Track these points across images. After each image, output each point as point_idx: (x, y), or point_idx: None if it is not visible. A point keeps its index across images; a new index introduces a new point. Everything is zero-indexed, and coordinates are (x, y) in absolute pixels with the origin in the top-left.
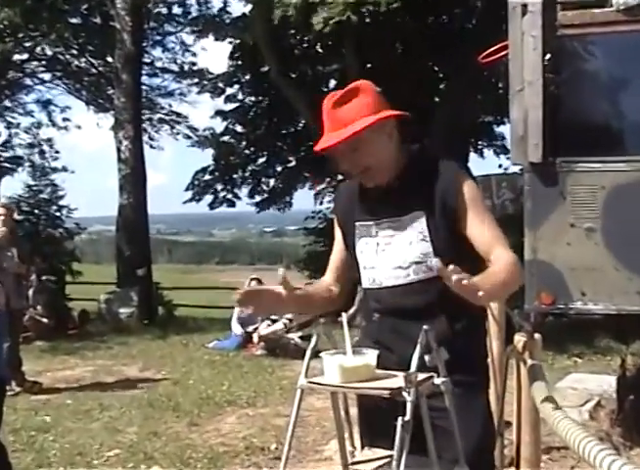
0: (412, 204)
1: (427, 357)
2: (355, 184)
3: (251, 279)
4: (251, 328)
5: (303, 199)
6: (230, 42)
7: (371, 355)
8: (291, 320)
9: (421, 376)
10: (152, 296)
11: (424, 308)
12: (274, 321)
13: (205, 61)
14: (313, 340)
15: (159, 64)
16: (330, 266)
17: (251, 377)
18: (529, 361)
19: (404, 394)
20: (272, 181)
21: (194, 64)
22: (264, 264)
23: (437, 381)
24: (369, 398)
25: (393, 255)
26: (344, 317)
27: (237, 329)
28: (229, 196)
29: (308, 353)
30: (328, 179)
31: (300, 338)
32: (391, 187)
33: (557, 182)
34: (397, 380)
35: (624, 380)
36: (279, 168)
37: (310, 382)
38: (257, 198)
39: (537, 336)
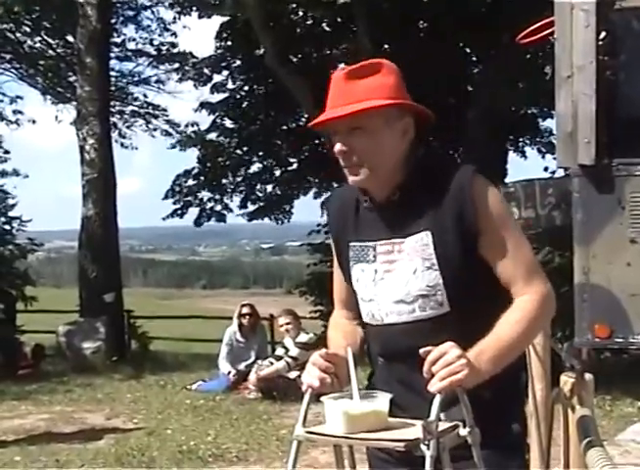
0: (417, 222)
1: (442, 415)
2: (351, 192)
3: (242, 306)
4: (242, 366)
5: (306, 209)
6: (220, 19)
7: (382, 400)
8: (295, 358)
9: (443, 425)
10: (122, 327)
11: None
12: (278, 359)
13: (188, 42)
14: None
15: (131, 45)
16: (337, 298)
17: (242, 426)
18: (579, 409)
19: (423, 446)
20: (269, 187)
21: (174, 45)
22: (261, 288)
23: (463, 432)
24: (381, 451)
25: (394, 285)
26: (350, 352)
27: (225, 367)
28: (218, 207)
29: (307, 397)
30: (336, 185)
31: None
32: (392, 200)
33: (613, 189)
34: (415, 430)
35: None
36: (277, 172)
37: (309, 432)
38: (251, 207)
39: (589, 376)
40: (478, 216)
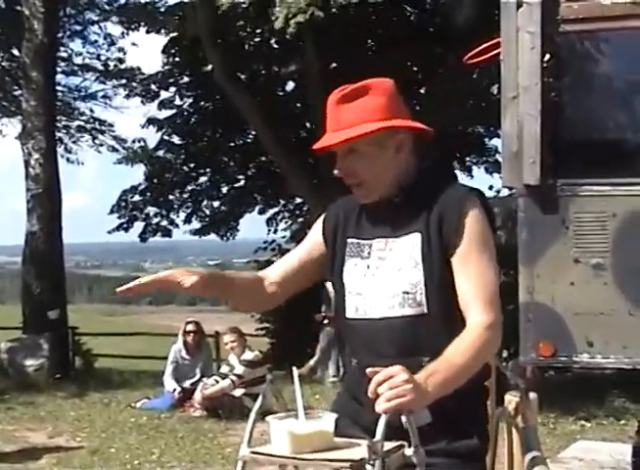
0: (411, 224)
1: (403, 418)
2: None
3: (187, 323)
4: (187, 384)
5: (252, 226)
6: (167, 35)
7: (328, 420)
8: (240, 376)
9: (388, 445)
10: (66, 344)
11: (406, 353)
12: (223, 377)
13: (136, 58)
14: (259, 400)
15: (78, 60)
16: (280, 263)
17: (187, 444)
18: (522, 428)
19: (368, 467)
20: (215, 204)
21: (121, 61)
22: (207, 305)
23: (409, 452)
24: None
25: (382, 280)
26: (295, 372)
27: (170, 385)
28: (164, 223)
29: (252, 416)
30: (282, 203)
31: (247, 396)
32: (393, 202)
33: (557, 209)
34: (361, 450)
35: None
36: (224, 189)
37: (254, 452)
38: (197, 223)
39: (533, 396)
40: (456, 230)
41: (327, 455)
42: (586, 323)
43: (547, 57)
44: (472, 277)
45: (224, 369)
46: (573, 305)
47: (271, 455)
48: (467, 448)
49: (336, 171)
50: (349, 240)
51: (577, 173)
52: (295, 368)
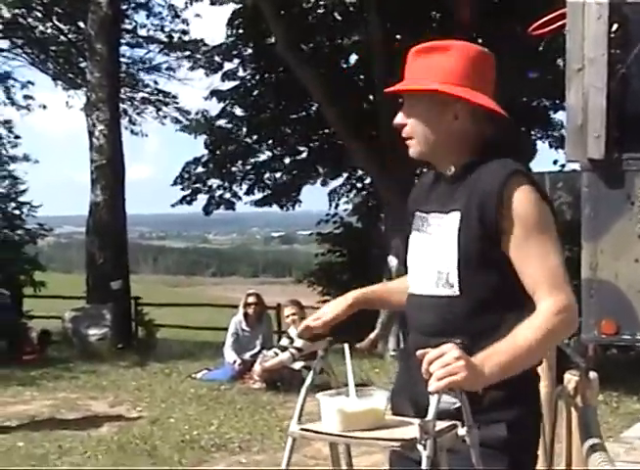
0: (456, 201)
1: (451, 399)
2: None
3: (248, 295)
4: (247, 355)
5: (315, 198)
6: (232, 6)
7: (379, 398)
8: (299, 349)
9: (441, 425)
10: (129, 314)
11: (438, 332)
12: (282, 349)
13: (200, 30)
14: (310, 375)
15: (142, 32)
16: None
17: (246, 416)
18: (583, 408)
19: (419, 446)
20: (278, 175)
21: (185, 33)
22: (270, 277)
23: (462, 431)
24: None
25: (425, 257)
26: (347, 348)
27: (231, 356)
28: (227, 195)
29: (303, 392)
30: (345, 175)
31: (307, 369)
32: (448, 176)
33: (623, 184)
34: (412, 429)
35: None
36: (286, 161)
37: (304, 429)
38: (258, 194)
39: (593, 375)
40: (500, 215)
41: (377, 434)
42: None
43: (614, 27)
44: (533, 264)
45: (284, 342)
46: (638, 283)
47: (320, 433)
48: (494, 439)
49: (395, 121)
50: (416, 213)
51: None
52: (346, 344)
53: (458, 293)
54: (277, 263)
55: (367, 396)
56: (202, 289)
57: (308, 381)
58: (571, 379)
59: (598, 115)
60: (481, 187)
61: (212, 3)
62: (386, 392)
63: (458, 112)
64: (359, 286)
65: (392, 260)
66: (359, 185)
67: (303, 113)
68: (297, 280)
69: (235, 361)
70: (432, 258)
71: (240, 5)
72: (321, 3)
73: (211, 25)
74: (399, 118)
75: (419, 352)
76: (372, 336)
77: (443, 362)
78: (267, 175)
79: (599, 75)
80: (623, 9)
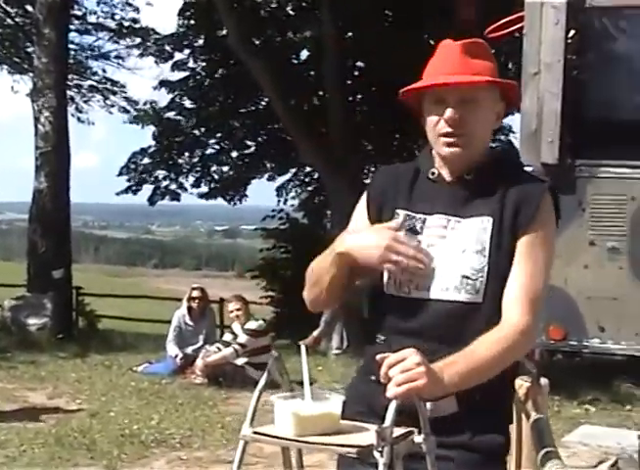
0: (482, 206)
1: (429, 405)
2: (409, 165)
3: (193, 289)
4: (190, 350)
5: (262, 193)
6: None
7: (335, 401)
8: (243, 345)
9: (397, 431)
10: (70, 304)
11: (448, 340)
12: (226, 345)
13: (151, 18)
14: (264, 377)
15: (92, 18)
16: None
17: (187, 411)
18: (534, 415)
19: (376, 453)
20: (225, 169)
21: (135, 21)
22: (213, 270)
23: (418, 439)
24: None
25: (437, 260)
26: (303, 349)
27: (173, 350)
28: (173, 186)
29: (256, 395)
30: (293, 171)
31: (250, 365)
32: (464, 179)
33: (575, 190)
34: (368, 435)
35: None
36: (234, 154)
37: (256, 433)
38: (205, 187)
39: (544, 381)
40: (529, 223)
41: (333, 439)
42: (599, 308)
43: (571, 33)
44: (525, 275)
45: (227, 337)
46: (586, 289)
47: (274, 437)
48: (490, 445)
49: (447, 115)
50: (398, 210)
51: (597, 154)
52: (303, 345)
53: (481, 300)
54: (220, 257)
55: (323, 399)
56: (143, 280)
57: (262, 382)
58: (522, 385)
59: (553, 120)
60: (518, 195)
61: None
62: (341, 396)
63: (500, 112)
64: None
65: None
66: (307, 180)
67: (252, 107)
68: (239, 274)
69: (177, 355)
70: (452, 261)
71: None
72: None
73: (163, 15)
74: (453, 114)
75: (379, 356)
76: (315, 333)
77: (404, 367)
78: (214, 168)
79: (555, 81)
80: (581, 15)
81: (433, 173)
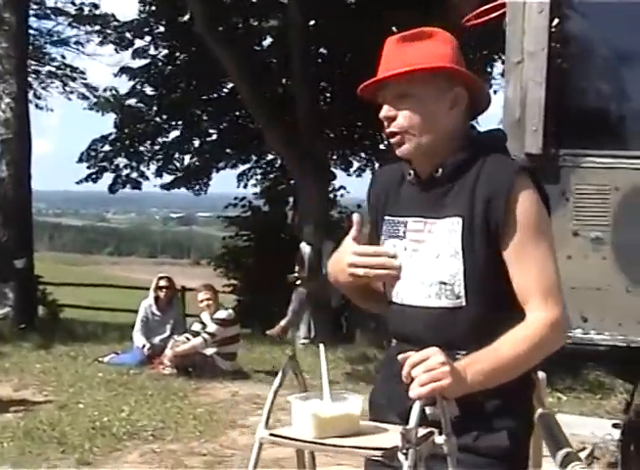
0: (452, 205)
1: (428, 410)
2: (400, 166)
3: (160, 278)
4: (157, 340)
5: (222, 181)
6: None
7: (354, 402)
8: (213, 335)
9: (420, 432)
10: (33, 293)
11: (440, 346)
12: (195, 335)
13: (111, 4)
14: (278, 377)
15: (50, 3)
16: None
17: (157, 402)
18: (539, 410)
19: (400, 456)
20: (187, 157)
21: (96, 6)
22: (168, 257)
23: (439, 439)
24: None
25: (418, 266)
26: (322, 348)
27: (140, 340)
28: (134, 175)
29: (271, 396)
30: (255, 159)
31: (219, 355)
32: (434, 177)
33: (558, 179)
34: (389, 436)
35: (631, 426)
36: (196, 143)
37: (273, 435)
38: (167, 177)
39: (542, 375)
40: (506, 217)
41: (355, 442)
42: (582, 298)
43: (555, 21)
44: (529, 271)
45: (196, 327)
46: (570, 280)
47: (294, 439)
48: (494, 448)
49: (381, 114)
50: (386, 217)
51: (581, 143)
52: (322, 345)
53: (464, 303)
54: (175, 245)
55: (341, 399)
56: (99, 268)
57: (277, 383)
58: None
59: (536, 109)
60: (486, 188)
61: None
62: (360, 396)
63: (456, 99)
64: (266, 270)
65: (305, 247)
66: (269, 168)
67: (214, 94)
68: (195, 262)
69: (144, 345)
70: (430, 267)
71: None
72: None
73: (124, 0)
74: (387, 111)
75: (401, 357)
76: (282, 323)
77: (428, 367)
78: (176, 156)
79: (538, 69)
80: (564, 3)
81: (410, 174)
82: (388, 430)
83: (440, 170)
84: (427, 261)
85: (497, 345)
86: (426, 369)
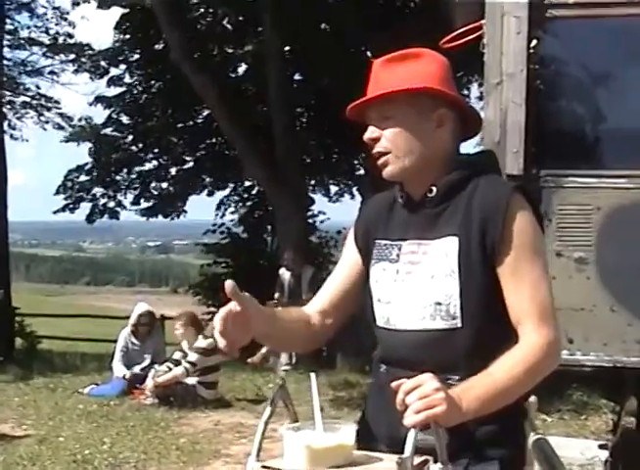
0: (447, 225)
1: (419, 435)
2: (391, 192)
3: (141, 316)
4: (138, 369)
5: (198, 208)
6: (120, 11)
7: (347, 431)
8: (194, 364)
9: (415, 460)
10: (10, 325)
11: (435, 370)
12: (175, 364)
13: (86, 33)
14: (268, 408)
15: (24, 33)
16: (322, 292)
17: (139, 433)
18: (532, 435)
19: None
20: (164, 185)
21: (70, 36)
22: (146, 286)
23: (435, 468)
24: None
25: (412, 289)
26: (313, 377)
27: (120, 371)
28: (111, 204)
29: (261, 427)
30: (232, 186)
31: (201, 384)
32: (427, 198)
33: (540, 200)
34: (383, 465)
35: (618, 447)
36: (173, 170)
37: (265, 467)
38: (144, 204)
39: (533, 398)
40: (502, 236)
41: None
42: (567, 319)
43: (534, 42)
44: (524, 291)
45: (177, 355)
46: (555, 301)
47: None
48: None
49: (365, 136)
50: (377, 241)
51: (562, 164)
52: (313, 374)
53: (460, 325)
54: (153, 273)
55: (334, 429)
56: (75, 298)
57: (267, 414)
58: None
59: (517, 130)
60: (481, 207)
61: (100, 6)
62: (353, 425)
63: (442, 118)
64: None
65: (285, 273)
66: (246, 195)
67: (190, 122)
68: (173, 290)
69: (125, 375)
70: (425, 289)
71: (128, 9)
72: (211, 11)
73: (99, 29)
74: (371, 133)
75: (394, 384)
76: (263, 350)
77: (422, 393)
78: (153, 184)
79: (518, 91)
80: (543, 24)
81: (401, 197)
82: (382, 459)
83: (435, 190)
84: (421, 283)
85: (492, 370)
86: (420, 396)
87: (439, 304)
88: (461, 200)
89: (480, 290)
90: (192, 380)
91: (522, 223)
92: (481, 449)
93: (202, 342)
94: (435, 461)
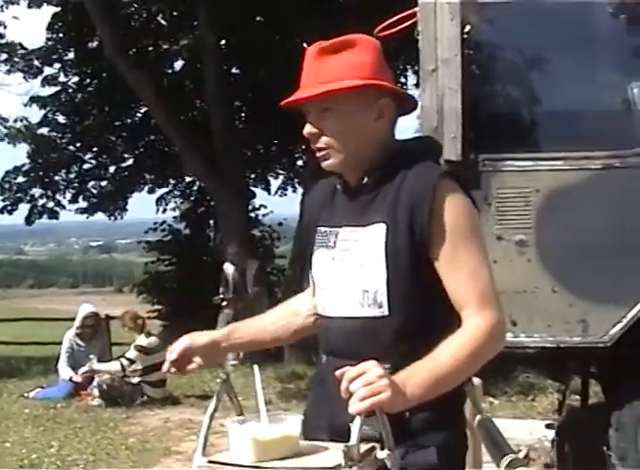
0: (377, 212)
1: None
2: (333, 179)
3: (86, 318)
4: (83, 371)
5: (140, 206)
6: (51, 9)
7: (293, 422)
8: (131, 361)
9: (362, 448)
10: None
11: (363, 358)
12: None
13: (18, 33)
14: (213, 402)
15: None
16: (308, 289)
17: (87, 435)
18: (478, 417)
19: None
20: (103, 184)
21: (1, 36)
22: (90, 287)
23: (381, 454)
24: None
25: (343, 275)
26: (257, 369)
27: (66, 373)
28: (50, 204)
29: (206, 422)
30: (172, 182)
31: (146, 383)
32: (362, 185)
33: (479, 185)
34: (330, 455)
35: (564, 426)
36: (112, 169)
37: (212, 462)
38: (83, 203)
39: (477, 381)
40: (431, 223)
41: (296, 463)
42: (509, 301)
43: (467, 28)
44: (462, 277)
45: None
46: (496, 284)
47: (234, 465)
48: (422, 466)
49: (305, 131)
50: (319, 228)
51: (499, 148)
52: (256, 366)
53: (387, 313)
54: (97, 273)
55: (279, 421)
56: (17, 301)
57: (211, 408)
58: None
59: (454, 116)
60: (409, 194)
61: (30, 6)
62: (298, 416)
63: (382, 109)
64: (190, 294)
65: (229, 268)
66: (187, 191)
67: (128, 119)
68: (117, 289)
69: (71, 378)
70: (353, 276)
71: (60, 8)
72: (144, 8)
73: (31, 29)
74: (310, 129)
75: (338, 372)
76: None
77: (366, 381)
78: (92, 183)
79: (453, 77)
80: (475, 10)
81: (340, 184)
82: (328, 448)
83: (366, 178)
84: (351, 270)
85: (435, 354)
86: (364, 383)
87: (367, 291)
88: (391, 187)
89: (408, 277)
90: (137, 379)
91: (452, 208)
92: (418, 437)
93: (142, 340)
94: (382, 448)
